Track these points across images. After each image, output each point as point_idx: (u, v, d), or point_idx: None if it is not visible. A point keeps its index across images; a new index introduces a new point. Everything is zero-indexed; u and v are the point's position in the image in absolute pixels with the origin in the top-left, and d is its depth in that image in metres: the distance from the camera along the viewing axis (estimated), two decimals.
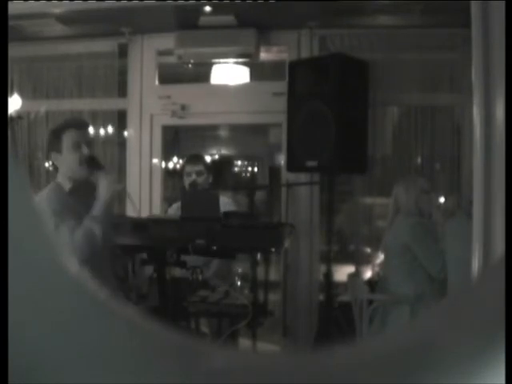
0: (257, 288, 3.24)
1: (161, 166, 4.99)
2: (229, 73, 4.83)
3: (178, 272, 3.36)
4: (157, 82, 4.94)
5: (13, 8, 3.64)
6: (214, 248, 3.22)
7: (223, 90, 4.85)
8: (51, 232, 0.31)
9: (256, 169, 7.03)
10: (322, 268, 4.35)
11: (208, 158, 6.33)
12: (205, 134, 6.60)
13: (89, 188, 2.78)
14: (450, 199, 4.56)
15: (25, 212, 0.29)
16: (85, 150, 2.75)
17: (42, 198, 2.65)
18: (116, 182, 2.89)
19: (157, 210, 4.73)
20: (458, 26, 3.63)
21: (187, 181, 3.89)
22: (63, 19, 4.43)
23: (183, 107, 4.82)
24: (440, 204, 4.42)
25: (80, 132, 2.80)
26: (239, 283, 4.68)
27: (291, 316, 4.37)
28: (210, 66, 4.88)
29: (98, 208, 2.70)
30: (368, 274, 4.51)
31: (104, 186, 2.72)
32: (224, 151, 6.87)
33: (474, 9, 2.16)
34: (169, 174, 5.71)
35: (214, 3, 4.16)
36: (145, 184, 4.85)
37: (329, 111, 4.00)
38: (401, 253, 3.53)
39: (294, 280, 4.55)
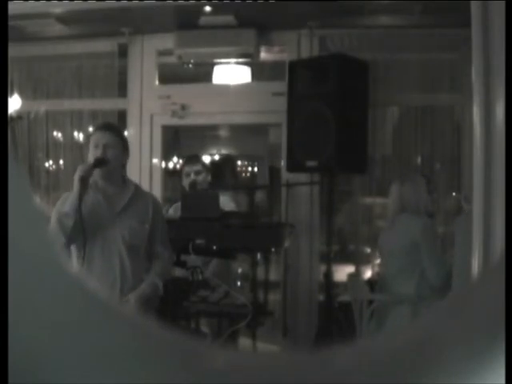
0: (257, 288, 3.25)
1: (161, 166, 4.98)
2: (231, 73, 4.83)
3: (178, 272, 3.36)
4: (157, 82, 4.94)
5: (13, 8, 3.64)
6: (214, 248, 3.23)
7: (223, 89, 4.84)
8: (51, 232, 0.31)
9: (256, 169, 7.03)
10: (322, 268, 4.35)
11: (208, 158, 6.35)
12: (205, 134, 6.59)
13: None
14: (450, 199, 4.56)
15: (25, 212, 0.29)
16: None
17: None
18: (82, 170, 2.68)
19: None
20: (458, 26, 3.63)
21: (186, 181, 3.90)
22: (63, 19, 4.43)
23: (183, 107, 4.82)
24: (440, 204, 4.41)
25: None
26: (239, 283, 4.69)
27: (291, 316, 4.37)
28: (210, 66, 4.88)
29: (68, 204, 2.68)
30: (368, 273, 4.51)
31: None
32: (224, 151, 6.87)
33: (474, 9, 2.16)
34: (169, 174, 5.71)
35: (214, 3, 4.16)
36: (145, 184, 4.83)
37: (329, 111, 4.00)
38: (408, 252, 3.43)
39: (294, 280, 4.55)
